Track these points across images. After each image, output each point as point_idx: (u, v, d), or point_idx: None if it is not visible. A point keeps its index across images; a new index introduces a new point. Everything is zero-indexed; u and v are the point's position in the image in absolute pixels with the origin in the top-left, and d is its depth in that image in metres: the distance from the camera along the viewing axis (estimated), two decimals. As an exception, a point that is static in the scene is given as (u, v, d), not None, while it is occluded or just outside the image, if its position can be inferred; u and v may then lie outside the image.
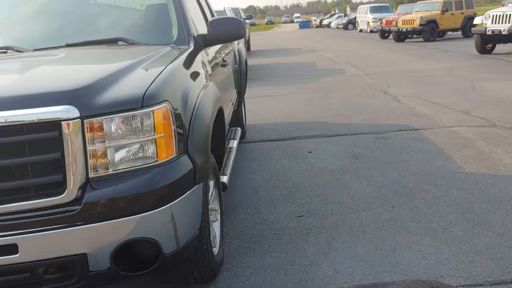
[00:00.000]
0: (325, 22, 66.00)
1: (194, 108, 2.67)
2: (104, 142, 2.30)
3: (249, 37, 24.04)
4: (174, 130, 2.46)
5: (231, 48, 5.41)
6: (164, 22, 3.71)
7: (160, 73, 2.60)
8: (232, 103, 4.83)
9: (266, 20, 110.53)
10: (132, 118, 2.33)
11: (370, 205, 4.09)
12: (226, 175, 3.89)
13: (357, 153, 5.57)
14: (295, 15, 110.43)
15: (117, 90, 2.39)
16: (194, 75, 3.03)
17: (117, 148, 2.33)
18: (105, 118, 2.29)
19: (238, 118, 6.31)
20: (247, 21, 22.04)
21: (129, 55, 3.04)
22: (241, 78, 6.08)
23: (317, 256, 3.34)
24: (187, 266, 2.86)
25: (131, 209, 2.32)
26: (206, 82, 3.25)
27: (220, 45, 4.34)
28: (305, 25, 72.67)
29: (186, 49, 3.35)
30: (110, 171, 2.32)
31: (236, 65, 5.87)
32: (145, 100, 2.34)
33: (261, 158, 5.67)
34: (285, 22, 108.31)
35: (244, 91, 6.88)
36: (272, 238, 3.65)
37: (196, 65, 3.25)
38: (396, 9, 35.56)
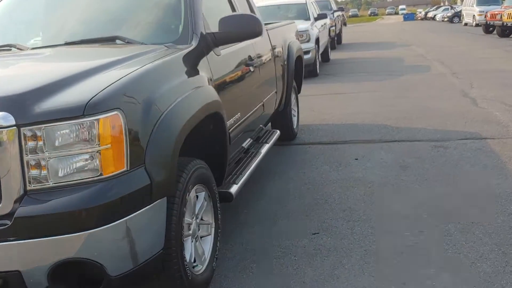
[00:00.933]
0: (430, 14, 62.91)
1: (160, 116, 2.42)
2: (43, 152, 2.13)
3: (340, 29, 23.35)
4: (127, 141, 2.24)
5: (271, 45, 5.09)
6: (170, 19, 3.50)
7: (122, 77, 2.38)
8: (263, 105, 4.52)
9: (369, 12, 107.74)
10: (73, 128, 2.14)
11: (397, 226, 3.64)
12: (237, 184, 3.62)
13: (407, 163, 5.06)
14: (400, 7, 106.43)
15: (62, 96, 2.21)
16: (178, 78, 2.78)
17: (58, 160, 2.15)
18: (44, 127, 2.12)
19: (284, 119, 5.99)
20: (337, 13, 21.35)
21: (109, 56, 2.85)
22: (289, 76, 5.74)
23: (315, 283, 2.98)
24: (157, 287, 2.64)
25: (69, 226, 2.13)
26: (201, 85, 2.99)
27: (243, 43, 4.05)
28: (409, 17, 69.86)
29: (183, 49, 3.11)
30: (50, 184, 2.15)
31: (282, 63, 5.55)
32: (87, 108, 2.13)
33: (302, 163, 5.32)
34: (389, 14, 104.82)
35: (297, 90, 6.55)
36: (275, 257, 3.33)
37: (189, 66, 3.00)
38: (504, 2, 32.99)
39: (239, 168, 3.98)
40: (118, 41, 3.19)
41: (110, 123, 2.19)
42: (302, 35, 11.62)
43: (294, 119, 6.43)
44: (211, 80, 3.24)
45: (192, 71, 3.00)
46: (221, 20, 3.44)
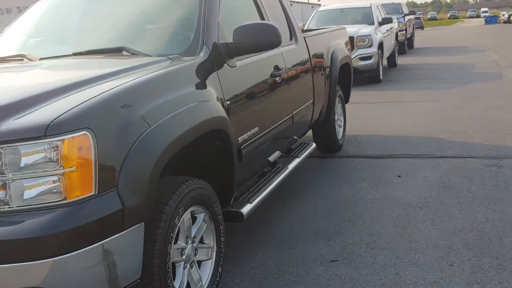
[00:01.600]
0: (514, 17, 59.67)
1: (140, 135, 2.24)
2: (5, 173, 2.01)
3: (412, 33, 22.50)
4: (96, 163, 2.08)
5: (308, 53, 4.82)
6: (182, 29, 3.34)
7: (98, 95, 2.22)
8: (293, 116, 4.26)
9: (449, 14, 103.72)
10: (36, 148, 2.00)
11: (425, 257, 3.28)
12: (251, 204, 3.40)
13: (452, 183, 4.63)
14: (482, 9, 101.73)
15: (30, 115, 2.08)
16: (173, 92, 2.59)
17: (21, 181, 2.02)
18: (6, 147, 2.00)
19: (325, 131, 5.70)
20: (408, 17, 20.53)
21: (104, 69, 2.71)
22: (331, 85, 5.44)
23: (319, 320, 2.71)
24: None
25: (30, 253, 1.99)
26: (203, 99, 2.79)
27: (268, 52, 3.82)
28: (491, 20, 66.48)
29: (188, 61, 2.93)
30: (13, 207, 2.03)
31: (323, 71, 5.26)
32: (50, 128, 1.99)
33: (339, 178, 5.01)
34: (470, 17, 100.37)
35: (343, 99, 6.21)
36: (282, 286, 3.08)
37: (190, 80, 2.81)
38: None
39: (259, 184, 3.75)
40: (124, 52, 3.06)
41: (76, 144, 2.04)
42: (364, 40, 11.27)
43: (340, 130, 6.12)
44: (221, 93, 3.04)
45: (194, 84, 2.82)
46: (236, 30, 3.23)
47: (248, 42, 3.22)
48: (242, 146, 3.29)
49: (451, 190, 4.47)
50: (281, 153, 4.37)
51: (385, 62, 14.44)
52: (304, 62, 4.72)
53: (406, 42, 20.08)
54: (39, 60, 3.18)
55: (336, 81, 5.51)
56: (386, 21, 12.84)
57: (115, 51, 3.09)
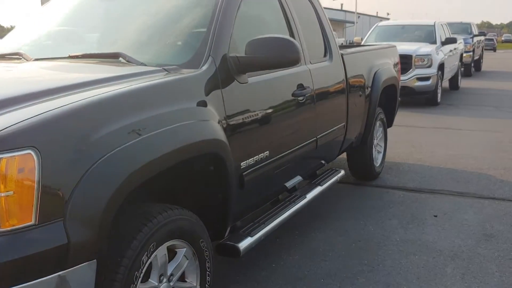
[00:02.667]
0: None
1: (100, 157, 1.93)
2: None
3: (480, 55, 21.39)
4: (40, 188, 1.78)
5: (345, 72, 4.40)
6: (190, 37, 3.01)
7: (55, 108, 1.92)
8: (317, 140, 3.85)
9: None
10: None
11: (445, 323, 2.80)
12: (252, 237, 3.04)
13: (495, 231, 4.08)
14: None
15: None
16: (156, 109, 2.26)
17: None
18: None
19: (361, 157, 5.25)
20: (477, 38, 19.50)
21: (84, 76, 2.42)
22: (371, 108, 4.99)
23: None
24: None
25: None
26: (196, 118, 2.46)
27: (291, 69, 3.46)
28: None
29: (185, 74, 2.61)
30: None
31: (362, 93, 4.82)
32: (-17, 145, 1.70)
33: (368, 212, 4.55)
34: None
35: (386, 123, 5.73)
36: (274, 337, 2.69)
37: (183, 95, 2.48)
38: None
39: (268, 214, 3.38)
40: (121, 59, 2.77)
41: (17, 164, 1.75)
42: (423, 60, 10.69)
43: (379, 156, 5.64)
44: (223, 112, 2.70)
45: (186, 101, 2.48)
46: (249, 43, 2.89)
47: (261, 57, 2.87)
48: (245, 172, 2.92)
49: (492, 239, 3.93)
50: (302, 179, 3.98)
51: (446, 84, 13.72)
52: (338, 81, 4.31)
53: (472, 64, 19.10)
54: (33, 60, 2.94)
55: (376, 103, 5.05)
56: (449, 41, 12.14)
57: (112, 57, 2.81)
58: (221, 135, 2.60)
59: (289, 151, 3.47)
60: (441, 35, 12.16)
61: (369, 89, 4.99)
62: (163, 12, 3.21)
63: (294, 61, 2.95)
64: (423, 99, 11.22)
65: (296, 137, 3.58)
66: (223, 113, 2.71)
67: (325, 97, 4.02)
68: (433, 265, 3.50)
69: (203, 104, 2.58)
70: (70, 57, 2.91)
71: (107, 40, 3.16)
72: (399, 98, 6.10)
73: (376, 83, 5.06)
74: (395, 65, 5.89)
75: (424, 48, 11.07)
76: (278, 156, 3.31)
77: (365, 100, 4.91)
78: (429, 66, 10.76)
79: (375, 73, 5.10)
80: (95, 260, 1.95)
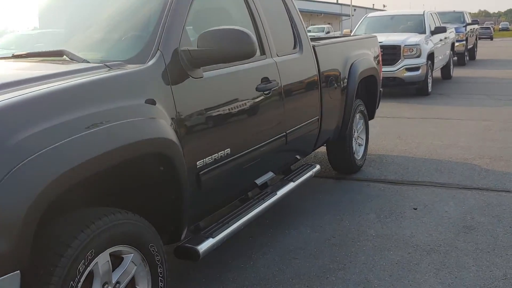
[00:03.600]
0: None
1: (18, 163, 1.78)
2: None
3: (474, 44, 21.22)
4: None
5: (317, 64, 4.26)
6: (137, 32, 2.87)
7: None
8: (286, 135, 3.72)
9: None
10: None
11: (414, 323, 2.67)
12: (214, 238, 2.91)
13: (475, 223, 3.95)
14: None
15: None
16: (86, 109, 2.11)
17: None
18: None
19: (341, 150, 5.11)
20: (470, 26, 19.28)
21: (13, 76, 2.29)
22: (348, 100, 4.85)
23: None
24: None
25: None
26: (137, 116, 2.32)
27: (257, 62, 3.34)
28: None
29: (128, 70, 2.47)
30: None
31: (337, 84, 4.69)
32: None
33: (346, 206, 4.42)
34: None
35: (366, 116, 5.59)
36: None
37: (120, 93, 2.33)
38: None
39: (234, 213, 3.25)
40: (65, 56, 2.63)
41: None
42: (412, 50, 10.55)
43: (360, 149, 5.51)
44: (173, 109, 2.57)
45: (126, 98, 2.34)
46: (201, 36, 2.75)
47: (213, 50, 2.73)
48: (203, 172, 2.79)
49: (471, 232, 3.80)
50: (274, 175, 3.85)
51: (438, 74, 13.58)
52: (309, 73, 4.17)
53: (466, 53, 18.92)
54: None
55: (353, 95, 4.91)
56: (439, 30, 11.98)
57: (56, 55, 2.67)
58: (169, 133, 2.46)
59: (255, 147, 3.34)
60: (430, 24, 12.00)
61: (346, 81, 4.85)
62: (111, 7, 3.07)
63: (249, 53, 2.82)
64: (413, 89, 11.08)
65: (262, 133, 3.44)
66: (173, 111, 2.58)
67: (294, 90, 3.88)
68: (407, 261, 3.37)
69: (149, 101, 2.45)
70: (14, 56, 2.78)
71: (54, 38, 3.03)
72: (381, 89, 5.96)
73: (353, 74, 4.92)
74: (376, 55, 5.75)
75: (413, 38, 10.93)
76: (241, 153, 3.18)
77: (341, 92, 4.77)
78: (418, 56, 10.61)
79: (352, 64, 4.95)
80: (18, 271, 1.82)
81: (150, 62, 2.58)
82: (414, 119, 8.40)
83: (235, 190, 3.37)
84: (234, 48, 2.75)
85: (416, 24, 12.02)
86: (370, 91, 5.64)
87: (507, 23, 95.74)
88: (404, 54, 10.53)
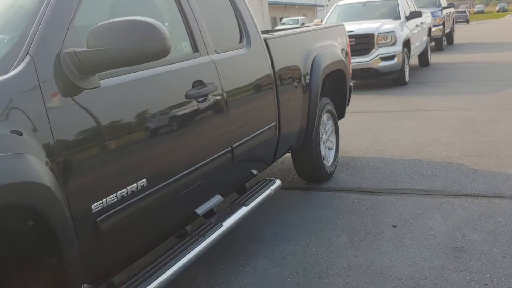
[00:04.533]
0: None
1: None
2: None
3: (451, 28, 20.69)
4: None
5: (270, 61, 3.56)
6: (3, 31, 2.13)
7: None
8: (233, 151, 3.01)
9: (497, 8, 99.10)
10: None
11: None
12: None
13: (468, 242, 3.28)
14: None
15: None
16: None
17: None
18: None
19: (307, 157, 4.42)
20: (446, 10, 18.72)
21: None
22: (311, 100, 4.15)
23: None
24: None
25: None
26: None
27: (185, 62, 2.63)
28: (543, 12, 62.84)
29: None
30: None
31: (298, 83, 3.99)
32: None
33: (315, 225, 3.73)
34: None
35: (335, 115, 4.91)
36: None
37: None
38: None
39: (164, 258, 2.53)
40: None
41: None
42: (386, 37, 9.92)
43: (330, 154, 4.83)
44: (48, 136, 1.84)
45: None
46: (92, 32, 2.03)
47: (108, 50, 2.00)
48: (102, 217, 2.07)
49: (463, 255, 3.13)
50: (222, 198, 3.14)
51: (416, 61, 12.98)
52: (261, 71, 3.46)
53: (444, 38, 18.39)
54: None
55: (318, 93, 4.21)
56: (414, 15, 11.34)
57: None
58: (38, 174, 1.73)
59: (187, 171, 2.63)
60: (405, 9, 11.36)
61: (308, 78, 4.14)
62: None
63: (159, 52, 2.09)
64: (389, 79, 10.44)
65: (197, 151, 2.72)
66: (49, 140, 1.85)
67: (240, 93, 3.18)
68: (386, 303, 2.69)
69: (12, 130, 1.72)
70: None
71: None
72: (351, 84, 5.27)
73: (316, 70, 4.21)
74: (344, 46, 5.05)
75: (387, 25, 10.27)
76: (166, 182, 2.46)
77: (303, 91, 4.07)
78: (393, 44, 9.96)
79: (315, 58, 4.25)
80: None
81: (13, 72, 1.84)
82: (391, 112, 7.74)
83: (162, 230, 2.64)
84: (137, 47, 2.03)
85: (390, 10, 11.35)
86: (338, 87, 4.96)
87: (482, 5, 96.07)
88: (378, 42, 9.87)
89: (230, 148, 3.02)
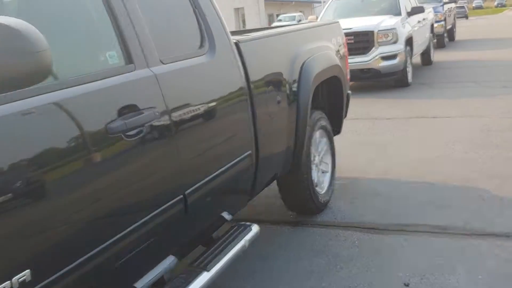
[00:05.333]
0: None
1: None
2: None
3: (453, 24, 19.83)
4: None
5: (243, 71, 2.72)
6: None
7: None
8: (185, 198, 2.19)
9: (496, 3, 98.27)
10: None
11: None
12: None
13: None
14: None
15: None
16: None
17: None
18: None
19: (296, 187, 3.59)
20: (448, 5, 17.88)
21: None
22: (300, 115, 3.32)
23: None
24: None
25: None
26: None
27: (107, 79, 1.80)
28: (542, 7, 62.01)
29: None
30: None
31: (280, 97, 3.15)
32: None
33: (303, 283, 2.89)
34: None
35: (331, 132, 4.07)
36: None
37: None
38: None
39: None
40: None
41: None
42: (387, 35, 9.08)
43: (324, 179, 4.00)
44: None
45: None
46: None
47: None
48: None
49: (502, 337, 2.30)
50: (177, 260, 2.31)
51: (418, 60, 12.13)
52: (229, 84, 2.63)
53: (445, 35, 17.53)
54: None
55: (308, 107, 3.39)
56: (416, 10, 10.50)
57: None
58: None
59: (117, 237, 1.79)
60: (406, 5, 10.50)
61: (295, 88, 3.31)
62: None
63: (30, 73, 1.27)
64: (391, 80, 9.60)
65: (128, 208, 1.89)
66: None
67: (197, 118, 2.33)
68: None
69: None
70: None
71: None
72: (349, 92, 4.44)
73: (305, 78, 3.38)
74: (339, 47, 4.21)
75: (387, 21, 9.42)
76: (78, 262, 1.63)
77: (288, 105, 3.23)
78: (395, 42, 9.12)
79: (304, 64, 3.41)
80: None
81: None
82: (394, 120, 6.90)
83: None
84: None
85: (390, 5, 10.49)
86: (334, 97, 4.12)
87: (481, 1, 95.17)
88: (378, 40, 9.04)
89: (181, 196, 2.18)
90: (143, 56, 2.08)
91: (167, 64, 2.19)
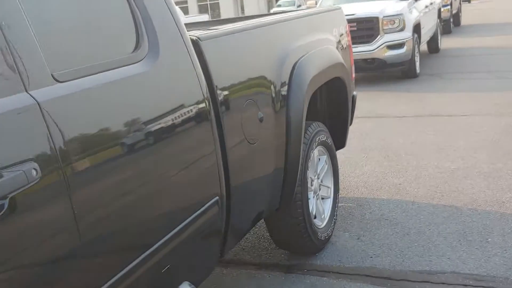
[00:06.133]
0: None
1: None
2: None
3: (458, 8, 18.89)
4: None
5: (203, 82, 1.88)
6: None
7: None
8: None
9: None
10: None
11: None
12: None
13: None
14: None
15: None
16: None
17: None
18: None
19: (288, 225, 2.77)
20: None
21: None
22: (290, 129, 2.48)
23: None
24: None
25: None
26: None
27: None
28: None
29: None
30: None
31: (260, 112, 2.31)
32: None
33: None
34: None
35: (333, 147, 3.23)
36: None
37: None
38: None
39: None
40: None
41: None
42: (393, 22, 8.22)
43: (325, 207, 3.17)
44: None
45: None
46: None
47: None
48: None
49: None
50: None
51: (424, 47, 11.23)
52: (179, 100, 1.77)
53: (451, 19, 16.58)
54: None
55: (302, 119, 2.54)
56: (424, -7, 9.61)
57: None
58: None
59: None
60: (412, -13, 9.59)
61: (285, 96, 2.46)
62: None
63: None
64: (397, 71, 8.73)
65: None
66: None
67: (119, 163, 1.49)
68: None
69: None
70: None
71: None
72: (354, 94, 3.59)
73: (298, 83, 2.53)
74: (341, 39, 3.36)
75: (393, 6, 8.52)
76: None
77: (275, 123, 2.39)
78: (402, 29, 8.24)
79: (296, 64, 2.56)
80: None
81: None
82: (404, 118, 6.05)
83: None
84: None
85: (396, -12, 9.58)
86: (336, 103, 3.27)
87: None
88: (384, 28, 8.16)
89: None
90: (19, 75, 1.23)
91: (64, 83, 1.34)
